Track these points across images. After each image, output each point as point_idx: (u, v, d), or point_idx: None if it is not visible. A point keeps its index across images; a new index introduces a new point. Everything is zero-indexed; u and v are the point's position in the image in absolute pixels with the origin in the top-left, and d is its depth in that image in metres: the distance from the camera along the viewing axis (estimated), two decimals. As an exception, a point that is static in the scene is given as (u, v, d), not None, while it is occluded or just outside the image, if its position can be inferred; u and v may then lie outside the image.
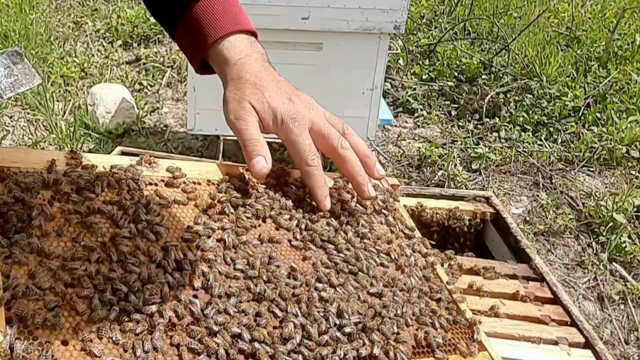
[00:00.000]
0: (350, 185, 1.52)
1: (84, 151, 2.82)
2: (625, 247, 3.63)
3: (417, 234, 1.58)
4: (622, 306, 3.40)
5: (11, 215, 1.08)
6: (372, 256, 1.43)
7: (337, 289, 1.31)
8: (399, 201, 1.63)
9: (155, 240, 1.20)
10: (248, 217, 1.34)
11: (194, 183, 1.36)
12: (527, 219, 3.93)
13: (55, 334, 0.98)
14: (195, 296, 1.14)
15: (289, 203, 1.42)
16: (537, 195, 4.11)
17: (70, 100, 4.58)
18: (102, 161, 1.30)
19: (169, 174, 1.34)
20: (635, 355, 3.14)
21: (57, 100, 4.58)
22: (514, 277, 1.90)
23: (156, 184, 1.32)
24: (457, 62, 5.34)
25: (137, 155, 1.50)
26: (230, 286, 1.18)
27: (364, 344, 1.22)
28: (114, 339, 1.01)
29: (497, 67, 5.26)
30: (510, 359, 1.53)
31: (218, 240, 1.27)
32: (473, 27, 5.97)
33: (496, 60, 5.38)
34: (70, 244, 1.11)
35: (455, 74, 5.26)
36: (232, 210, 1.34)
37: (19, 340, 0.94)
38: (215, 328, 1.09)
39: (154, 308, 1.07)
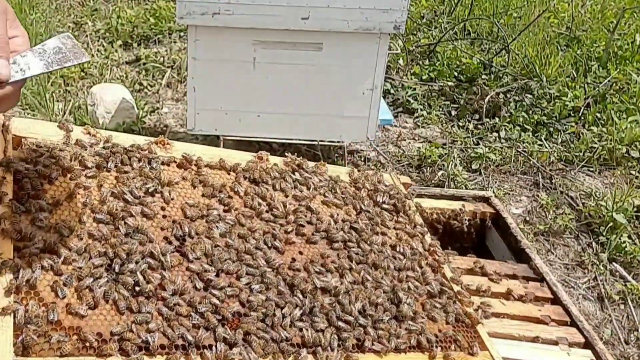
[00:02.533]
0: (364, 180, 1.65)
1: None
2: (625, 247, 3.63)
3: (423, 230, 1.62)
4: (622, 306, 3.40)
5: (25, 183, 1.13)
6: (381, 250, 1.48)
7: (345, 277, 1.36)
8: (410, 199, 1.69)
9: (162, 216, 1.27)
10: (258, 202, 1.42)
11: (206, 166, 1.43)
12: (527, 219, 3.93)
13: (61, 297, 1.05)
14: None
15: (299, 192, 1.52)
16: (537, 195, 4.11)
17: (70, 100, 4.58)
18: (116, 139, 1.34)
19: (182, 155, 1.41)
20: (635, 355, 3.14)
21: (57, 100, 4.58)
22: (514, 277, 1.91)
23: (168, 164, 1.38)
24: (457, 62, 5.34)
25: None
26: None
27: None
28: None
29: (497, 67, 5.26)
30: (510, 358, 1.53)
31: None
32: (473, 27, 5.97)
33: (496, 60, 5.38)
34: (80, 213, 1.17)
35: (455, 74, 5.26)
36: (242, 191, 1.41)
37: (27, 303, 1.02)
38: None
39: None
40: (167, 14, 5.65)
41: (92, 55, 5.21)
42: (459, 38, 5.77)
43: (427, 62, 5.45)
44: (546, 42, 5.58)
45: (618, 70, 5.11)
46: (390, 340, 1.31)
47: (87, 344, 1.02)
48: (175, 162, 1.39)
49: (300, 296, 1.26)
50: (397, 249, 1.53)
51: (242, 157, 1.56)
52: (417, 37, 5.82)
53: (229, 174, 1.47)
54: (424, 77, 5.23)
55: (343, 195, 1.61)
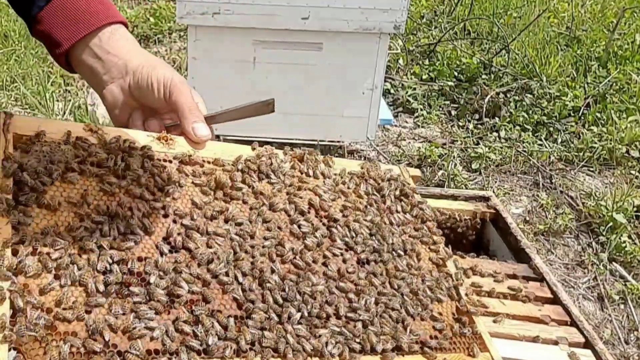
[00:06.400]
0: (370, 174, 1.62)
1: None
2: (625, 247, 3.63)
3: (430, 225, 1.60)
4: (622, 306, 3.40)
5: (24, 184, 1.13)
6: (387, 243, 1.48)
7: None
8: (417, 193, 1.67)
9: (164, 215, 1.25)
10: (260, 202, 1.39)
11: (209, 162, 1.40)
12: (527, 219, 3.93)
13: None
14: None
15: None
16: (537, 195, 4.12)
17: (70, 100, 4.58)
18: (119, 135, 1.31)
19: (184, 152, 1.37)
20: (635, 355, 3.14)
21: (57, 100, 4.58)
22: (514, 277, 1.90)
23: (170, 161, 1.35)
24: (457, 62, 5.34)
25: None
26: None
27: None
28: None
29: (497, 67, 5.26)
30: (510, 358, 1.53)
31: (226, 220, 1.32)
32: (473, 27, 5.97)
33: (496, 60, 5.38)
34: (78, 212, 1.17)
35: (455, 74, 5.26)
36: (246, 187, 1.39)
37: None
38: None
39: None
40: (167, 14, 5.65)
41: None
42: (459, 38, 5.77)
43: (427, 62, 5.45)
44: (546, 42, 5.58)
45: (618, 70, 5.11)
46: (389, 342, 1.31)
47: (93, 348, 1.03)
48: (177, 158, 1.36)
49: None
50: (405, 245, 1.53)
51: (246, 152, 1.52)
52: (417, 37, 5.82)
53: (233, 172, 1.43)
54: (424, 77, 5.23)
55: (360, 194, 1.58)
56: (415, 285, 1.45)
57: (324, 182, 1.54)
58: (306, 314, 1.24)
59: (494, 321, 1.64)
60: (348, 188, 1.57)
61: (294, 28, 3.45)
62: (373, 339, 1.28)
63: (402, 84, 5.13)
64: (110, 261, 1.12)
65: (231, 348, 1.12)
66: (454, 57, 5.38)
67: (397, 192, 1.63)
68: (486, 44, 5.72)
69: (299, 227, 1.40)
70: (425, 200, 1.70)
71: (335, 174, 1.59)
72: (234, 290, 1.20)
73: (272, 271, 1.27)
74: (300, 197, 1.45)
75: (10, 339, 0.96)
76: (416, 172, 1.78)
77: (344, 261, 1.40)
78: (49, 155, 1.18)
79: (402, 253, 1.50)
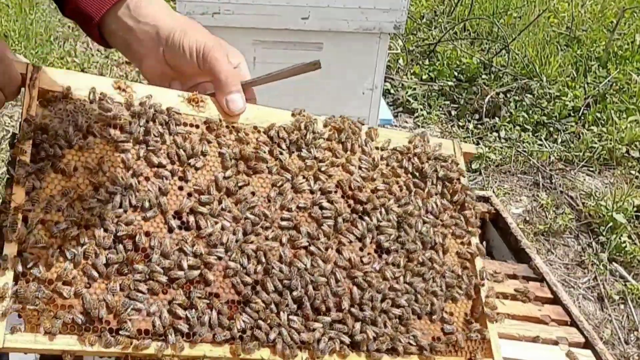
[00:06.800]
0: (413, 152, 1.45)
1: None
2: (625, 247, 3.63)
3: (469, 214, 1.46)
4: (622, 306, 3.40)
5: (42, 147, 1.10)
6: (414, 232, 1.38)
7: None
8: (464, 176, 1.50)
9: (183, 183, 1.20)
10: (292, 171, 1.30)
11: (237, 130, 1.29)
12: (527, 219, 3.93)
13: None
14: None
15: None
16: (537, 195, 4.11)
17: (70, 100, 4.58)
18: (149, 94, 1.23)
19: (214, 116, 1.27)
20: (635, 355, 3.14)
21: (57, 100, 4.58)
22: (514, 277, 1.90)
23: (197, 126, 1.26)
24: (457, 62, 5.34)
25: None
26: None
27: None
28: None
29: (497, 67, 5.25)
30: (511, 358, 1.53)
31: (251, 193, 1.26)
32: (473, 27, 5.97)
33: (496, 60, 5.38)
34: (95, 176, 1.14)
35: (455, 74, 5.26)
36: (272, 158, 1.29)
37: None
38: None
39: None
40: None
41: (93, 55, 5.21)
42: (459, 38, 5.77)
43: (427, 62, 5.45)
44: (546, 42, 5.58)
45: (618, 70, 5.11)
46: (386, 343, 1.28)
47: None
48: (206, 123, 1.27)
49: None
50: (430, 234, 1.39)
51: (283, 118, 1.37)
52: (417, 37, 5.82)
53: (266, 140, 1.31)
54: (424, 77, 5.23)
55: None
56: (432, 282, 1.36)
57: (360, 158, 1.39)
58: (306, 305, 1.21)
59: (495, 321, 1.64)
60: (387, 166, 1.42)
61: (294, 28, 3.44)
62: (369, 336, 1.25)
63: (402, 84, 5.12)
64: (116, 237, 1.11)
65: (220, 334, 1.13)
66: (454, 57, 5.38)
67: (441, 174, 1.45)
68: (486, 44, 5.72)
69: (321, 209, 1.31)
70: (470, 187, 1.52)
71: (376, 148, 1.43)
72: (236, 275, 1.18)
73: (280, 257, 1.23)
74: (330, 175, 1.34)
75: (9, 308, 0.98)
76: (470, 148, 1.59)
77: (361, 249, 1.32)
78: (72, 116, 1.15)
79: (428, 245, 1.39)
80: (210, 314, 1.13)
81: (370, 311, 1.28)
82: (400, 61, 5.40)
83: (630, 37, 5.60)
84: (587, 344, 1.64)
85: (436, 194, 1.44)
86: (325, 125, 1.40)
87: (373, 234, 1.34)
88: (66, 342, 1.03)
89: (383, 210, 1.35)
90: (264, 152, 1.29)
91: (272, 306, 1.19)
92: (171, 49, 1.25)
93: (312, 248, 1.27)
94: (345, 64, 3.59)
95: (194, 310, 1.12)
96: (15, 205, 1.04)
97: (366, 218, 1.34)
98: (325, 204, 1.31)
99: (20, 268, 1.01)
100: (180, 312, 1.11)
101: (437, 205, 1.43)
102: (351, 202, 1.35)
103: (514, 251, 2.02)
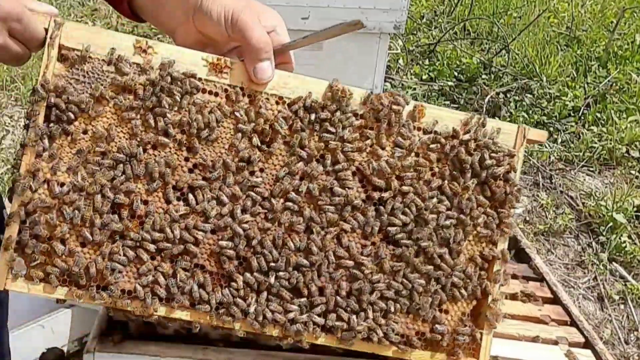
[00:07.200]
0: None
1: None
2: (625, 247, 3.63)
3: (505, 214, 1.30)
4: (622, 306, 3.40)
5: (55, 111, 1.14)
6: (430, 230, 1.28)
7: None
8: (515, 171, 1.31)
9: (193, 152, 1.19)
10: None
11: (259, 102, 1.20)
12: (527, 219, 3.93)
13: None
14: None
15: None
16: (537, 195, 4.11)
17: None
18: (171, 59, 1.18)
19: (236, 84, 1.20)
20: (635, 355, 3.14)
21: (57, 100, 4.58)
22: (514, 277, 1.91)
23: (217, 94, 1.20)
24: (457, 62, 5.34)
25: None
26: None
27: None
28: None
29: (497, 67, 5.26)
30: (510, 358, 1.53)
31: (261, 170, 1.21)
32: (473, 27, 5.97)
33: (496, 60, 5.38)
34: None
35: (455, 73, 5.26)
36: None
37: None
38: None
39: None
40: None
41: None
42: (459, 38, 5.77)
43: (427, 62, 5.45)
44: (546, 42, 5.58)
45: (618, 70, 5.11)
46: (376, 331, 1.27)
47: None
48: (226, 91, 1.20)
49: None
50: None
51: (316, 89, 1.26)
52: (417, 37, 5.82)
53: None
54: (424, 77, 5.23)
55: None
56: (434, 281, 1.28)
57: (395, 141, 1.25)
58: (289, 287, 1.21)
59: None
60: (424, 151, 1.27)
61: (294, 28, 3.43)
62: (346, 326, 1.24)
63: (402, 84, 5.12)
64: (114, 204, 1.15)
65: (198, 305, 1.18)
66: (454, 57, 5.38)
67: (487, 165, 1.27)
68: (486, 44, 5.72)
69: (332, 194, 1.23)
70: (517, 184, 1.33)
71: (418, 129, 1.27)
72: (223, 252, 1.19)
73: (274, 238, 1.20)
74: (351, 160, 1.23)
75: (13, 258, 1.12)
76: (537, 135, 1.38)
77: (366, 238, 1.25)
78: (88, 79, 1.15)
79: (444, 243, 1.28)
80: (192, 285, 1.18)
81: (356, 303, 1.24)
82: (400, 61, 5.40)
83: (630, 37, 5.60)
84: (587, 344, 1.65)
85: (474, 189, 1.28)
86: (363, 103, 1.26)
87: (383, 224, 1.25)
88: (58, 292, 1.15)
89: (401, 200, 1.24)
90: (282, 127, 1.21)
91: (254, 285, 1.20)
92: (200, 17, 1.20)
93: (309, 233, 1.22)
94: (345, 64, 3.59)
95: (175, 279, 1.17)
96: (26, 166, 1.12)
97: (381, 208, 1.24)
98: (337, 189, 1.22)
99: (24, 224, 1.11)
100: (161, 279, 1.17)
101: (470, 202, 1.28)
102: (369, 188, 1.24)
103: (514, 251, 2.02)
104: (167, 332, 1.52)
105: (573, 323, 1.72)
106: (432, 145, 1.27)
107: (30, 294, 1.16)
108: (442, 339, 1.29)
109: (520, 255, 2.03)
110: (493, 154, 1.29)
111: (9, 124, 4.36)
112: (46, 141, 1.13)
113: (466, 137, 1.27)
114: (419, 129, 1.28)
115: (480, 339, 1.33)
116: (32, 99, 1.12)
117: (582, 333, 1.67)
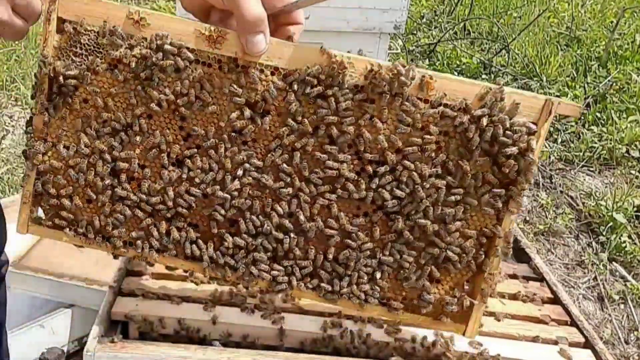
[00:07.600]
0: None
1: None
2: (625, 247, 3.63)
3: (517, 192, 1.23)
4: (622, 306, 3.40)
5: (56, 85, 1.22)
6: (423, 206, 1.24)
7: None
8: (532, 150, 1.21)
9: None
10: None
11: (251, 74, 1.18)
12: (527, 219, 3.93)
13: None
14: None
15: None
16: (537, 195, 4.11)
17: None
18: (163, 33, 1.17)
19: (230, 55, 1.18)
20: (635, 355, 3.14)
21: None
22: (514, 277, 1.91)
23: (210, 65, 1.19)
24: (457, 62, 5.34)
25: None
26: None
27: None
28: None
29: (497, 67, 5.26)
30: (511, 358, 1.53)
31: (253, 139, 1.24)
32: (473, 27, 5.97)
33: (496, 60, 5.38)
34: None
35: (455, 73, 5.26)
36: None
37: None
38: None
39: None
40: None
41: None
42: (459, 38, 5.77)
43: (427, 62, 5.45)
44: (546, 42, 5.58)
45: (618, 70, 5.11)
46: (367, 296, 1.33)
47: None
48: (220, 62, 1.18)
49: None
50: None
51: (315, 60, 1.22)
52: (417, 37, 5.82)
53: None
54: (424, 77, 5.23)
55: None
56: (426, 254, 1.28)
57: (397, 114, 1.20)
58: (273, 247, 1.30)
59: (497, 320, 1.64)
60: (431, 126, 1.20)
61: (294, 28, 3.45)
62: (330, 288, 1.33)
63: (402, 84, 5.13)
64: (113, 169, 1.26)
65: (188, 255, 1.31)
66: (454, 57, 5.38)
67: (499, 142, 1.19)
68: (486, 44, 5.72)
69: (324, 166, 1.22)
70: (534, 163, 1.22)
71: (425, 102, 1.21)
72: (214, 215, 1.27)
73: (262, 206, 1.27)
74: (345, 132, 1.20)
75: (31, 210, 1.31)
76: (568, 109, 1.26)
77: (358, 208, 1.25)
78: (85, 51, 1.20)
79: (441, 218, 1.25)
80: (185, 242, 1.30)
81: (343, 268, 1.31)
82: (400, 61, 5.40)
83: (630, 37, 5.60)
84: (587, 344, 1.64)
85: (482, 165, 1.22)
86: (365, 77, 1.21)
87: (375, 197, 1.23)
88: (70, 239, 1.32)
89: (396, 174, 1.21)
90: (275, 98, 1.19)
91: (243, 247, 1.29)
92: None
93: (302, 204, 1.25)
94: (345, 64, 3.59)
95: (169, 237, 1.30)
96: (36, 134, 1.25)
97: (375, 180, 1.22)
98: (330, 162, 1.21)
99: (37, 183, 1.27)
100: (155, 232, 1.29)
101: (476, 179, 1.22)
102: (366, 162, 1.22)
103: (514, 251, 2.02)
104: (167, 332, 1.53)
105: (573, 323, 1.72)
106: (439, 120, 1.20)
107: (47, 238, 1.35)
108: (427, 306, 1.34)
109: (520, 255, 2.03)
110: (508, 132, 1.19)
111: (9, 124, 4.36)
112: (51, 111, 1.23)
113: (478, 112, 1.19)
114: (426, 101, 1.21)
115: (470, 307, 1.33)
116: (36, 73, 1.22)
117: (582, 333, 1.67)
